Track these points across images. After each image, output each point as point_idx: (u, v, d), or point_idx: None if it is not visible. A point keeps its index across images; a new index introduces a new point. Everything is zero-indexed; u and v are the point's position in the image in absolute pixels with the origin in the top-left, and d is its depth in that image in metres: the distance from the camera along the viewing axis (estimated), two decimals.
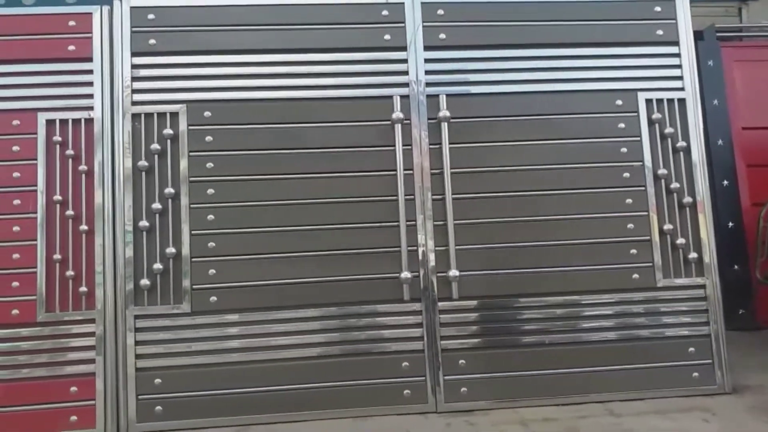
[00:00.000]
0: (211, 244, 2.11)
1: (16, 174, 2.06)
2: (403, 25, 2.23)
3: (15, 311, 2.03)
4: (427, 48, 2.22)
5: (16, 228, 2.05)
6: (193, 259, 2.10)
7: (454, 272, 2.09)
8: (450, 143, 2.17)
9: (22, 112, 2.10)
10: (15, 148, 2.07)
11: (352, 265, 2.14)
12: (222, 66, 2.18)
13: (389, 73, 2.22)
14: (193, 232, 2.11)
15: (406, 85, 2.21)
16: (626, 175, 2.23)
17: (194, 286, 2.09)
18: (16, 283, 2.04)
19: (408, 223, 2.14)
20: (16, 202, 2.06)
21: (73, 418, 2.02)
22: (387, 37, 2.22)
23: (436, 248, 2.16)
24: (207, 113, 2.15)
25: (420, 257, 2.15)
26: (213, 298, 2.10)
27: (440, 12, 2.24)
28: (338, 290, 2.13)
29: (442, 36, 2.23)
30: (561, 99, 2.26)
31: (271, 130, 2.17)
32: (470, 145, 2.22)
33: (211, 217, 2.12)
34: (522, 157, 2.21)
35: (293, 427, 2.06)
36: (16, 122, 2.08)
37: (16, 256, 2.04)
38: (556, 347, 2.18)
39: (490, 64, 2.25)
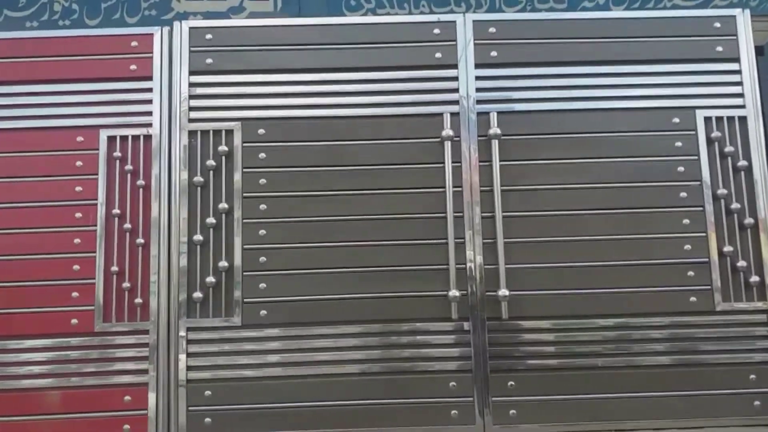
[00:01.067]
0: (262, 258, 2.16)
1: (78, 188, 2.16)
2: (454, 43, 2.26)
3: (74, 321, 2.11)
4: (478, 65, 2.24)
5: (77, 240, 2.14)
6: (245, 273, 2.16)
7: (503, 291, 2.09)
8: (500, 161, 2.15)
9: (86, 128, 2.21)
10: (78, 163, 2.18)
11: (399, 282, 2.16)
12: (276, 85, 2.24)
13: (439, 90, 2.25)
14: (245, 246, 2.16)
15: (457, 102, 2.23)
16: (683, 194, 2.18)
17: (245, 300, 2.14)
18: (75, 294, 2.12)
19: (456, 240, 2.13)
20: (78, 215, 2.15)
21: (126, 426, 2.08)
22: (438, 55, 2.25)
23: (485, 266, 2.14)
24: (261, 131, 2.21)
25: (468, 275, 2.14)
26: (263, 312, 2.14)
27: (492, 30, 2.26)
28: (385, 307, 2.15)
29: (494, 53, 2.25)
30: (615, 117, 2.24)
31: (322, 147, 2.21)
32: (521, 163, 2.22)
33: (262, 232, 2.17)
34: (574, 176, 2.19)
35: None
36: (79, 138, 2.19)
37: (76, 267, 2.13)
38: (609, 371, 2.14)
39: (542, 81, 2.26)
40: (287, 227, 2.20)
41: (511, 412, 2.12)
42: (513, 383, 2.14)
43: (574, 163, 2.23)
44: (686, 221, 2.18)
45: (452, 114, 2.22)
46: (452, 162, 2.18)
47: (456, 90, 2.25)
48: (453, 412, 2.12)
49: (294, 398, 2.13)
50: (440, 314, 2.17)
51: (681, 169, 2.21)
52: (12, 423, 2.10)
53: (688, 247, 2.18)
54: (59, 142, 2.21)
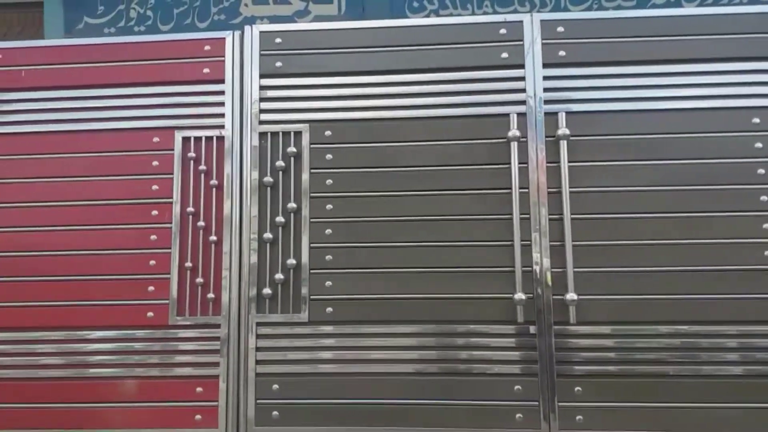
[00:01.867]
0: (329, 256, 2.22)
1: (155, 187, 2.27)
2: (521, 42, 2.25)
3: (150, 314, 2.22)
4: (546, 65, 2.23)
5: (153, 237, 2.25)
6: (312, 271, 2.22)
7: (572, 295, 2.07)
8: (569, 162, 2.14)
9: (162, 130, 2.31)
10: (155, 163, 2.28)
11: (463, 283, 2.18)
12: (342, 87, 2.29)
13: (506, 91, 2.25)
14: (312, 244, 2.23)
15: (523, 102, 2.22)
16: (764, 198, 2.10)
17: (312, 297, 2.20)
18: (151, 288, 2.23)
19: (522, 242, 2.12)
20: (154, 212, 2.26)
21: (198, 417, 2.17)
22: (504, 55, 2.25)
23: (553, 269, 2.13)
24: (328, 132, 2.26)
25: (534, 278, 2.13)
26: (329, 309, 2.20)
27: (560, 29, 2.24)
28: (449, 308, 2.18)
29: (562, 53, 2.23)
30: (689, 117, 2.18)
31: (388, 148, 2.25)
32: (589, 164, 2.19)
33: (329, 231, 2.23)
34: (645, 178, 2.16)
35: None
36: (156, 139, 2.30)
37: (152, 262, 2.24)
38: (681, 379, 2.09)
39: (611, 81, 2.23)
40: (352, 227, 2.25)
41: (578, 417, 2.10)
42: (580, 389, 2.12)
43: (644, 165, 2.20)
44: (767, 226, 2.10)
45: (519, 114, 2.22)
46: (519, 163, 2.18)
47: (523, 90, 2.25)
48: (518, 415, 2.12)
49: (358, 395, 2.17)
50: (505, 317, 2.18)
51: (761, 171, 2.15)
52: (88, 410, 2.23)
53: (767, 253, 2.10)
54: (137, 142, 2.33)
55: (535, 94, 2.25)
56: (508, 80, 2.28)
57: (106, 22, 3.73)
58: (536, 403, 2.13)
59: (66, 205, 2.33)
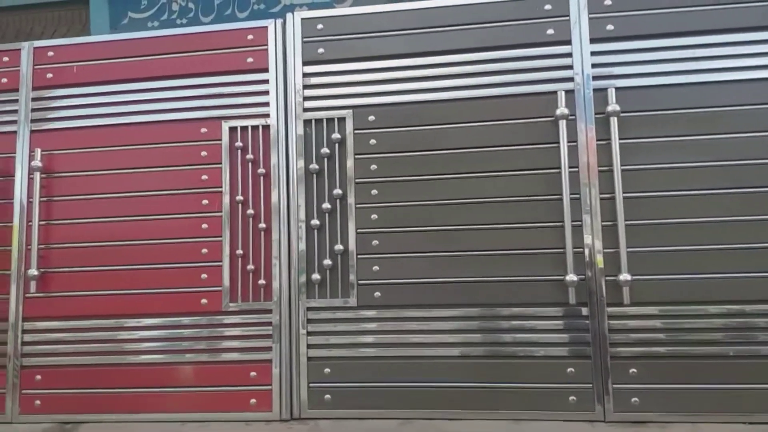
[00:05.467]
0: (375, 241, 2.31)
1: (204, 176, 2.41)
2: (567, 18, 2.28)
3: (204, 300, 2.36)
4: (593, 40, 2.26)
5: (204, 225, 2.39)
6: (359, 256, 2.32)
7: (625, 276, 2.10)
8: (619, 139, 2.15)
9: (209, 120, 2.44)
10: (203, 153, 2.42)
11: (512, 266, 2.25)
12: (385, 71, 2.38)
13: (552, 68, 2.29)
14: (358, 230, 2.32)
15: (571, 79, 2.25)
16: None
17: (360, 282, 2.30)
18: (204, 275, 2.37)
19: (573, 223, 2.16)
20: (205, 202, 2.40)
21: (253, 401, 2.31)
22: (550, 31, 2.28)
23: (605, 250, 2.16)
24: (371, 117, 2.35)
25: (586, 260, 2.17)
26: (377, 294, 2.29)
27: (608, 2, 2.26)
28: (499, 290, 2.25)
29: (610, 27, 2.25)
30: (743, 89, 2.20)
31: (432, 131, 2.32)
32: (641, 141, 2.22)
33: (374, 216, 2.32)
34: (699, 153, 2.18)
35: (454, 424, 2.19)
36: (203, 130, 2.43)
37: (204, 250, 2.38)
38: (740, 360, 2.10)
39: (662, 54, 2.25)
40: (398, 211, 2.34)
41: (633, 399, 2.15)
42: (635, 370, 2.16)
43: (697, 140, 2.21)
44: None
45: (567, 92, 2.26)
46: (567, 141, 2.21)
47: (570, 67, 2.28)
48: (571, 398, 2.17)
49: (408, 378, 2.28)
50: (556, 299, 2.22)
51: None
52: (148, 394, 2.42)
53: None
54: (185, 134, 2.48)
55: (582, 71, 2.27)
56: (555, 57, 2.31)
57: (150, 16, 3.90)
58: (590, 385, 2.18)
59: (119, 197, 2.50)
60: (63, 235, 2.52)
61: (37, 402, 2.45)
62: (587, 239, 2.21)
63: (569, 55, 2.30)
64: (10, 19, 4.12)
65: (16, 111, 2.60)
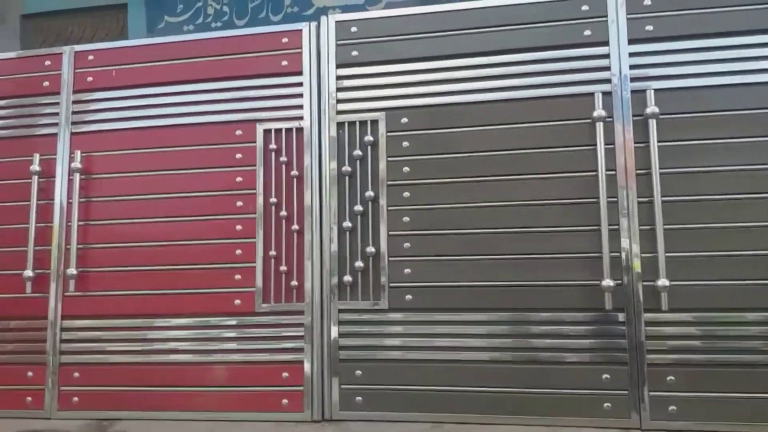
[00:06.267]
0: (407, 244, 2.33)
1: (239, 178, 2.46)
2: (604, 19, 2.27)
3: (237, 301, 2.42)
4: (631, 41, 2.25)
5: (238, 227, 2.44)
6: (390, 259, 2.34)
7: (663, 281, 2.08)
8: (658, 141, 2.13)
9: (244, 123, 2.50)
10: (238, 155, 2.47)
11: (548, 270, 2.24)
12: (419, 73, 2.41)
13: (589, 69, 2.29)
14: (390, 232, 2.35)
15: (608, 81, 2.24)
16: None
17: (391, 284, 2.33)
18: (238, 276, 2.42)
19: (610, 227, 2.14)
20: (239, 203, 2.45)
21: (285, 401, 2.35)
22: (587, 32, 2.27)
23: (642, 255, 2.14)
24: (404, 119, 2.37)
25: (623, 264, 2.15)
26: (408, 297, 2.31)
27: (647, 2, 2.25)
28: (533, 295, 2.25)
29: (649, 28, 2.23)
30: None
31: (465, 133, 2.34)
32: (680, 143, 2.19)
33: (406, 218, 2.34)
34: (740, 157, 2.14)
35: (486, 429, 2.20)
36: (239, 132, 2.49)
37: (238, 252, 2.43)
38: None
39: (704, 54, 2.23)
40: (430, 214, 2.36)
41: (671, 408, 2.12)
42: (673, 378, 2.14)
43: (739, 143, 2.17)
44: None
45: (604, 93, 2.25)
46: (605, 144, 2.20)
47: (607, 68, 2.27)
48: (606, 404, 2.16)
49: (440, 382, 2.30)
50: (591, 304, 2.23)
51: None
52: (181, 393, 2.48)
53: None
54: (220, 136, 2.54)
55: (620, 72, 2.26)
56: (592, 58, 2.31)
57: (185, 20, 4.00)
58: (625, 392, 2.17)
59: (155, 198, 2.57)
60: (101, 235, 2.60)
61: (75, 398, 2.53)
62: (624, 243, 2.20)
63: (606, 56, 2.29)
64: (50, 23, 4.27)
65: (57, 114, 2.70)
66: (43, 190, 2.65)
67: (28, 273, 2.57)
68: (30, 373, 2.57)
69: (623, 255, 2.20)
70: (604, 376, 2.20)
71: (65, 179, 2.64)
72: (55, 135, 2.68)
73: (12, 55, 2.88)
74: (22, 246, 2.61)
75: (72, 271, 2.54)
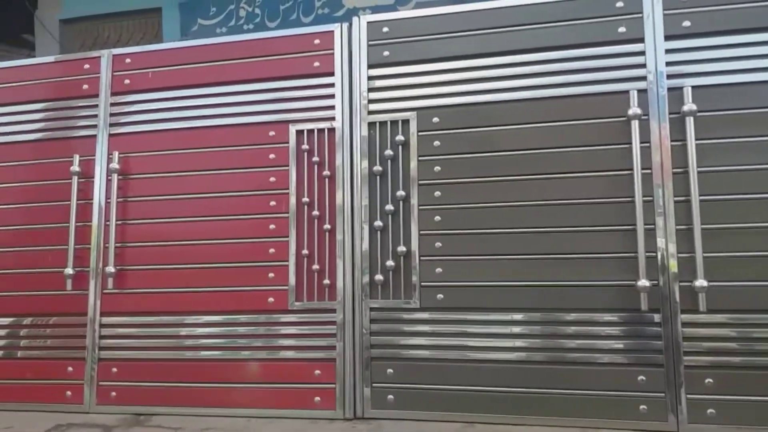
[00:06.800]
0: (438, 244, 2.35)
1: (272, 178, 2.51)
2: (639, 15, 2.26)
3: (271, 299, 2.47)
4: (668, 38, 2.23)
5: (272, 226, 2.49)
6: (421, 258, 2.36)
7: (701, 282, 2.06)
8: (696, 139, 2.11)
9: (277, 124, 2.55)
10: (271, 156, 2.53)
11: (582, 270, 2.23)
12: (450, 72, 2.43)
13: (624, 66, 2.28)
14: (421, 232, 2.37)
15: (644, 78, 2.23)
16: None
17: (422, 284, 2.35)
18: (272, 274, 2.47)
19: (646, 226, 2.13)
20: (272, 203, 2.50)
21: (317, 398, 2.39)
22: (622, 29, 2.26)
23: (679, 255, 2.12)
24: (435, 119, 2.39)
25: (659, 264, 2.13)
26: (440, 296, 2.33)
27: None
28: (567, 295, 2.25)
29: (686, 23, 2.21)
30: None
31: (498, 132, 2.35)
32: (718, 141, 2.17)
33: (437, 218, 2.36)
34: None
35: (518, 430, 2.20)
36: (272, 133, 2.54)
37: (272, 250, 2.48)
38: None
39: (743, 50, 2.21)
40: (462, 213, 2.37)
41: (709, 411, 2.10)
42: (711, 380, 2.12)
43: None
44: None
45: (639, 91, 2.23)
46: (640, 142, 2.18)
47: (643, 65, 2.26)
48: (642, 407, 2.15)
49: (471, 381, 2.31)
50: (626, 305, 2.22)
51: None
52: (216, 389, 2.53)
53: None
54: (254, 136, 2.59)
55: (656, 69, 2.25)
56: (627, 55, 2.30)
57: (218, 23, 4.09)
58: (662, 394, 2.15)
59: (191, 198, 2.64)
60: (138, 234, 2.68)
61: (113, 393, 2.62)
62: (660, 243, 2.18)
63: (642, 53, 2.28)
64: (88, 27, 4.42)
65: (95, 116, 2.79)
66: (83, 191, 2.74)
67: (69, 270, 2.67)
68: (70, 368, 2.66)
69: (659, 255, 2.19)
70: (640, 377, 2.18)
71: (104, 179, 2.73)
72: (93, 137, 2.78)
73: (51, 59, 2.98)
74: (63, 244, 2.70)
75: (110, 269, 2.62)
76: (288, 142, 2.57)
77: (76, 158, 2.73)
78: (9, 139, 2.88)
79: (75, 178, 2.71)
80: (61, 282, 2.67)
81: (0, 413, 2.66)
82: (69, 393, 2.64)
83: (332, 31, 2.59)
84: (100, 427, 2.42)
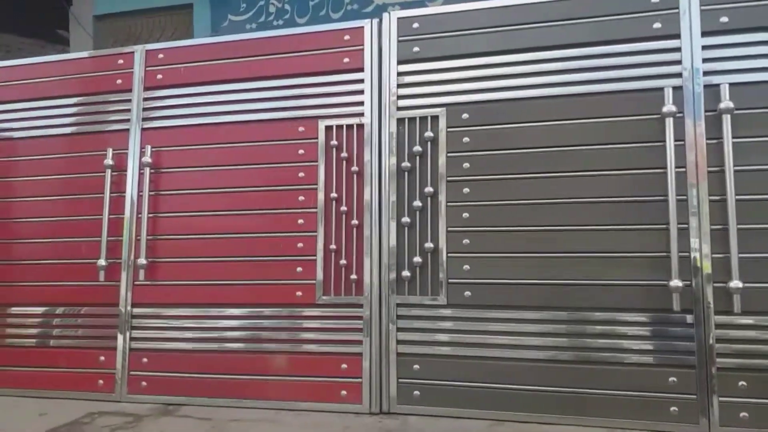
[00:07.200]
0: (466, 240, 2.36)
1: (301, 174, 2.55)
2: (675, 11, 2.23)
3: (299, 293, 2.51)
4: (705, 34, 2.20)
5: (300, 221, 2.53)
6: (449, 255, 2.38)
7: (736, 283, 2.04)
8: (733, 137, 2.09)
9: (306, 119, 2.59)
10: (300, 151, 2.56)
11: (611, 269, 2.23)
12: (481, 68, 2.43)
13: (659, 63, 2.26)
14: (449, 228, 2.38)
15: (679, 75, 2.20)
16: None
17: (450, 280, 2.36)
18: (300, 269, 2.51)
19: (679, 226, 2.11)
20: (301, 198, 2.54)
21: (343, 392, 2.42)
22: (657, 25, 2.24)
23: (713, 255, 2.10)
24: (465, 115, 2.40)
25: (692, 265, 2.11)
26: (467, 293, 2.34)
27: None
28: (597, 294, 2.25)
29: (724, 19, 2.18)
30: None
31: (527, 129, 2.34)
32: (756, 140, 2.15)
33: (466, 215, 2.36)
34: None
35: (547, 429, 2.20)
36: (301, 129, 2.58)
37: (300, 245, 2.52)
38: None
39: None
40: (490, 210, 2.38)
41: (742, 414, 2.08)
42: (744, 383, 2.09)
43: None
44: None
45: (674, 88, 2.21)
46: (674, 140, 2.16)
47: (678, 62, 2.23)
48: (672, 408, 2.14)
49: (498, 379, 2.33)
50: (657, 305, 2.20)
51: None
52: (243, 381, 2.59)
53: None
54: (284, 132, 2.63)
55: (692, 66, 2.23)
56: (662, 52, 2.28)
57: (248, 19, 4.14)
58: (694, 396, 2.13)
59: (221, 192, 2.69)
60: (169, 227, 2.75)
61: (144, 383, 2.69)
62: (694, 243, 2.16)
63: (677, 49, 2.25)
64: (121, 23, 4.51)
65: (129, 110, 2.86)
66: (116, 183, 2.82)
67: (102, 262, 2.74)
68: (102, 358, 2.74)
69: (693, 255, 2.16)
70: (671, 379, 2.17)
71: (136, 173, 2.79)
72: (126, 130, 2.84)
73: (86, 54, 3.06)
74: (96, 236, 2.77)
75: (142, 260, 2.69)
76: (317, 138, 2.60)
77: (110, 152, 2.80)
78: (44, 132, 2.96)
79: (108, 171, 2.79)
80: (94, 273, 2.75)
81: (34, 399, 2.75)
82: (101, 382, 2.72)
83: (362, 27, 2.61)
84: (131, 415, 2.49)
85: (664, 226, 2.18)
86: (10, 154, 2.98)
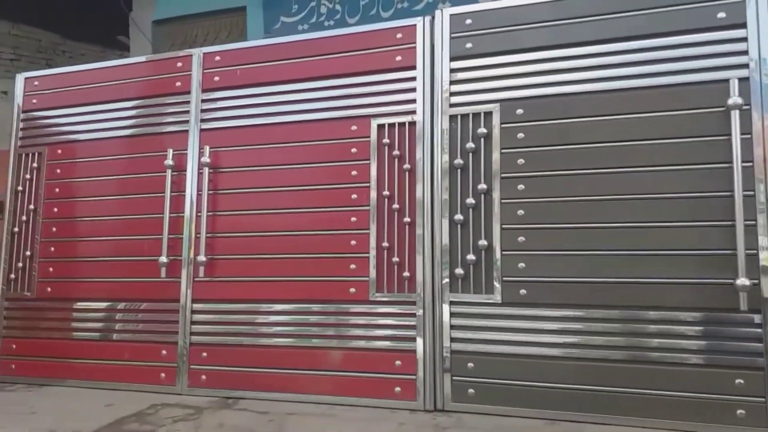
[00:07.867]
0: (521, 238, 2.36)
1: (354, 172, 2.61)
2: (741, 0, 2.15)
3: (352, 290, 2.57)
4: None
5: (353, 219, 2.59)
6: (504, 252, 2.38)
7: None
8: None
9: (359, 118, 2.64)
10: (353, 150, 2.62)
11: (674, 267, 2.19)
12: (535, 63, 2.42)
13: (724, 54, 2.20)
14: (503, 226, 2.39)
15: (746, 66, 2.15)
16: None
17: (504, 278, 2.37)
18: (353, 266, 2.57)
19: (746, 222, 2.06)
20: (354, 196, 2.60)
21: (398, 389, 2.47)
22: (721, 15, 2.19)
23: None
24: (519, 111, 2.40)
25: (760, 263, 2.06)
26: (522, 291, 2.35)
27: None
28: (659, 293, 2.21)
29: None
30: None
31: (584, 124, 2.32)
32: None
33: (521, 212, 2.37)
34: None
35: (602, 429, 2.18)
36: (354, 128, 2.63)
37: (353, 242, 2.58)
38: None
39: None
40: (546, 207, 2.37)
41: None
42: None
43: None
44: None
45: (740, 79, 2.15)
46: (741, 134, 2.11)
47: (745, 52, 2.18)
48: (739, 411, 2.09)
49: (554, 379, 2.33)
50: (723, 304, 2.16)
51: None
52: (299, 375, 2.66)
53: None
54: (337, 131, 2.70)
55: (759, 56, 2.17)
56: (727, 42, 2.23)
57: (300, 20, 4.25)
58: (762, 399, 2.07)
59: (276, 191, 2.79)
60: (227, 225, 2.86)
61: (203, 377, 2.80)
62: (762, 241, 2.10)
63: (743, 39, 2.20)
64: (178, 27, 4.70)
65: (187, 111, 2.98)
66: (176, 183, 2.95)
67: (163, 259, 2.87)
68: (164, 352, 2.87)
69: (761, 253, 2.11)
70: (737, 381, 2.12)
71: (195, 173, 2.91)
72: (185, 131, 2.97)
73: (144, 58, 3.21)
74: (158, 234, 2.91)
75: (201, 258, 2.81)
76: (369, 137, 2.65)
77: (170, 152, 2.93)
78: (107, 134, 3.12)
79: (169, 171, 2.92)
80: (156, 270, 2.88)
81: (99, 391, 2.91)
82: (163, 375, 2.86)
83: (414, 25, 2.64)
84: (192, 408, 2.61)
85: (730, 223, 2.13)
86: (75, 155, 3.16)
